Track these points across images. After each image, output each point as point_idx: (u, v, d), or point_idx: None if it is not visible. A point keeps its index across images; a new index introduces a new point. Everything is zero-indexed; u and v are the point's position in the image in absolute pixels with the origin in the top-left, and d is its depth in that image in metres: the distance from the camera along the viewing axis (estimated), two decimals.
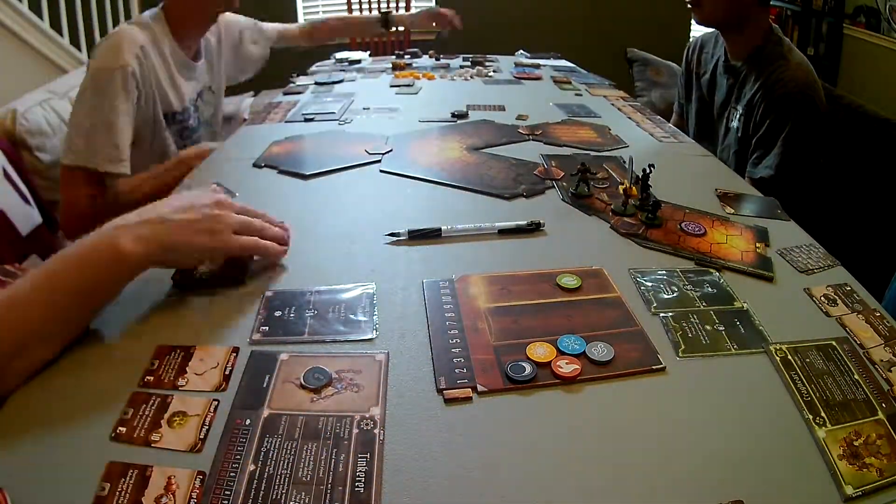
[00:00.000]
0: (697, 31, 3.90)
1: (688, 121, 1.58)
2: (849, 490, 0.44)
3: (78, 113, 1.01)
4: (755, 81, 1.25)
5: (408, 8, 3.36)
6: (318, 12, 3.77)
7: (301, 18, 3.71)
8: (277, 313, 0.63)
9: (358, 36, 1.93)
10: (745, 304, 0.65)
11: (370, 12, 3.32)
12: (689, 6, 1.30)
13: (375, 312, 0.63)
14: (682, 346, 0.58)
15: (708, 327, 0.61)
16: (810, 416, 0.50)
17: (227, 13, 1.33)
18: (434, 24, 1.79)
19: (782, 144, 1.19)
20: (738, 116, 1.29)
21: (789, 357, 0.57)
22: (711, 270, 0.72)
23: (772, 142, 1.21)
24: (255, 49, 1.52)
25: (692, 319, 0.62)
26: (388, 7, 3.34)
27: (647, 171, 0.84)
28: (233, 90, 1.66)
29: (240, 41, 1.45)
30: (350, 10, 3.32)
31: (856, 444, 0.48)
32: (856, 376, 0.55)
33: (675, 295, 0.67)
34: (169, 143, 1.15)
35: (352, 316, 0.62)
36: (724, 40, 1.34)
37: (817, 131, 1.20)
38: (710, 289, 0.68)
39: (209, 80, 1.27)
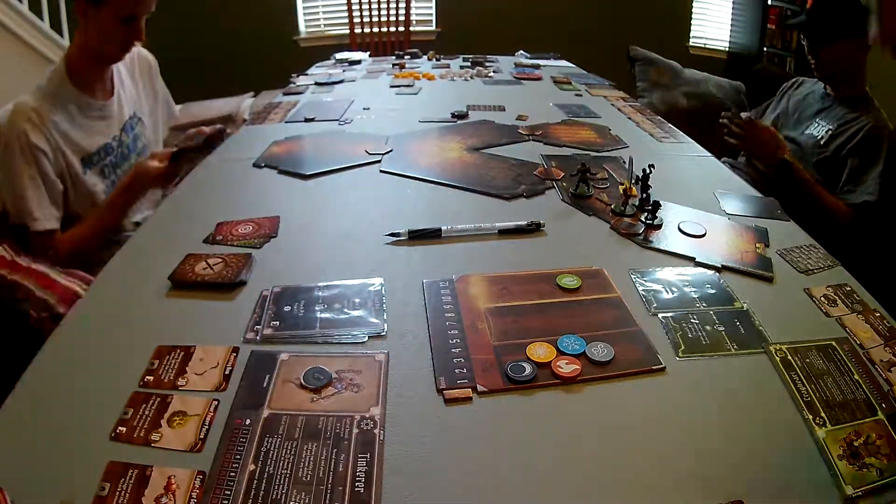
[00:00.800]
0: (696, 31, 3.90)
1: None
2: (849, 490, 0.44)
3: (4, 181, 1.05)
4: (849, 109, 1.35)
5: (408, 8, 3.37)
6: (318, 11, 3.77)
7: (301, 18, 3.71)
8: (287, 308, 0.63)
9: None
10: (744, 305, 0.65)
11: (370, 13, 3.33)
12: (813, 67, 1.42)
13: (385, 307, 0.64)
14: (682, 347, 0.58)
15: (708, 328, 0.61)
16: (810, 417, 0.50)
17: (144, 52, 1.34)
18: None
19: (881, 172, 1.28)
20: (821, 128, 1.38)
21: (789, 357, 0.57)
22: (717, 273, 0.72)
23: (862, 167, 1.29)
24: (163, 108, 1.45)
25: (692, 320, 0.62)
26: (388, 8, 3.35)
27: (647, 171, 0.84)
28: (233, 90, 1.66)
29: (169, 102, 1.43)
30: (350, 10, 3.33)
31: (856, 444, 0.48)
32: (855, 376, 0.55)
33: (674, 295, 0.67)
34: (93, 185, 1.16)
35: (361, 312, 0.63)
36: (828, 84, 1.43)
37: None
38: (709, 289, 0.68)
39: (132, 110, 1.27)
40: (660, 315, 0.63)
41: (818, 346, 0.59)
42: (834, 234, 0.99)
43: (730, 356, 0.58)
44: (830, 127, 1.37)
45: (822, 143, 1.36)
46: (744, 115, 1.40)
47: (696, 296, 0.67)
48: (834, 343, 0.59)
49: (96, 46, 1.13)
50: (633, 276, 0.70)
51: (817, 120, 1.41)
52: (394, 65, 1.87)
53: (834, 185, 1.32)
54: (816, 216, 1.21)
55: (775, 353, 0.57)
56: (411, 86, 1.59)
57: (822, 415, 0.50)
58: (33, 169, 1.05)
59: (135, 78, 1.31)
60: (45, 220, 1.07)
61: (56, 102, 1.09)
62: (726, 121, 1.35)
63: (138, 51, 1.30)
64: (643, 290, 0.68)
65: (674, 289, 0.68)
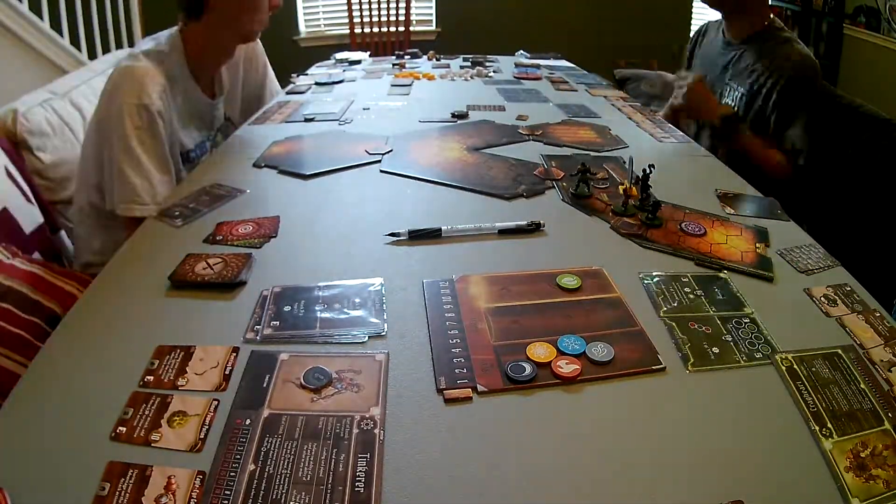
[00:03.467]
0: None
1: None
2: (855, 502, 0.44)
3: (123, 158, 0.97)
4: (756, 61, 1.27)
5: (408, 8, 3.36)
6: (318, 11, 3.77)
7: (301, 18, 3.71)
8: (287, 308, 0.63)
9: None
10: (753, 312, 0.64)
11: (370, 13, 3.33)
12: None
13: (385, 307, 0.64)
14: (692, 360, 0.57)
15: (716, 337, 0.60)
16: (816, 428, 0.50)
17: (261, 56, 1.32)
18: None
19: (807, 119, 1.21)
20: (735, 92, 1.31)
21: (795, 367, 0.56)
22: (719, 274, 0.71)
23: (787, 116, 1.23)
24: (266, 92, 1.44)
25: (700, 329, 0.61)
26: (388, 8, 3.35)
27: (648, 171, 0.84)
28: None
29: (263, 89, 1.40)
30: (350, 10, 3.32)
31: (862, 455, 0.47)
32: (862, 385, 0.55)
33: (684, 299, 0.66)
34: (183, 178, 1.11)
35: (361, 312, 0.63)
36: (724, 21, 1.36)
37: (822, 113, 1.24)
38: (719, 294, 0.68)
39: (229, 113, 1.24)
40: (667, 319, 0.63)
41: (824, 355, 0.58)
42: (778, 189, 0.98)
43: (738, 368, 0.57)
44: (742, 90, 1.29)
45: (739, 112, 1.30)
46: (684, 73, 1.36)
47: (704, 300, 0.66)
48: (840, 351, 0.59)
49: (230, 26, 1.07)
50: (641, 279, 0.70)
51: (728, 82, 1.34)
52: (394, 65, 1.86)
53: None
54: (756, 171, 1.16)
55: (781, 362, 0.57)
56: (411, 86, 1.59)
57: (829, 426, 0.50)
58: (159, 139, 0.97)
59: (241, 77, 1.26)
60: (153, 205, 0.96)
61: (177, 84, 1.04)
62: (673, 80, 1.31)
63: (256, 53, 1.27)
64: (652, 292, 0.67)
65: (685, 291, 0.68)
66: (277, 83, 1.49)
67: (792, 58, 1.23)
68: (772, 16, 1.32)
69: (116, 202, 0.98)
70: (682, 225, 0.82)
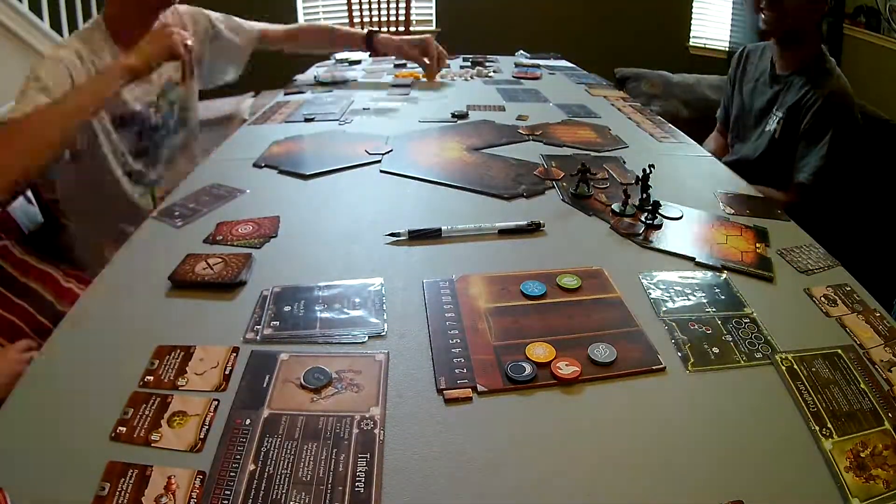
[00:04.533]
0: (696, 30, 3.89)
1: (727, 129, 1.57)
2: (855, 502, 0.44)
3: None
4: (801, 88, 1.27)
5: (408, 8, 3.36)
6: (318, 11, 3.77)
7: (301, 18, 3.71)
8: (287, 308, 0.63)
9: (341, 49, 1.83)
10: (753, 312, 0.64)
11: (370, 13, 3.33)
12: (759, 12, 1.32)
13: (385, 307, 0.64)
14: (692, 360, 0.57)
15: (717, 337, 0.60)
16: (816, 428, 0.50)
17: (193, 8, 1.33)
18: (423, 58, 1.64)
19: (826, 152, 1.21)
20: (777, 120, 1.31)
21: (795, 367, 0.56)
22: (719, 274, 0.71)
23: (815, 144, 1.23)
24: (237, 38, 1.46)
25: (700, 329, 0.61)
26: (388, 8, 3.34)
27: (648, 171, 0.84)
28: (233, 90, 1.66)
29: (214, 33, 1.41)
30: (350, 10, 3.32)
31: (862, 455, 0.47)
32: (862, 385, 0.55)
33: (684, 300, 0.66)
34: (119, 143, 1.15)
35: (361, 311, 0.63)
36: (777, 50, 1.35)
37: (856, 142, 1.23)
38: (719, 294, 0.68)
39: (172, 75, 1.25)
40: (667, 320, 0.63)
41: (824, 355, 0.58)
42: (833, 234, 0.98)
43: (738, 368, 0.57)
44: (781, 115, 1.28)
45: (777, 136, 1.29)
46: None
47: (704, 300, 0.66)
48: (840, 351, 0.59)
49: (132, 10, 1.11)
50: (641, 279, 0.70)
51: (774, 112, 1.33)
52: (396, 65, 1.86)
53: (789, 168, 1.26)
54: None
55: (781, 362, 0.57)
56: (411, 86, 1.59)
57: (829, 426, 0.50)
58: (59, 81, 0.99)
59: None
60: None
61: (100, 55, 1.08)
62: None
63: (184, 9, 1.28)
64: (651, 293, 0.67)
65: (681, 291, 0.68)
66: (243, 23, 1.48)
67: (830, 87, 1.23)
68: (822, 45, 1.31)
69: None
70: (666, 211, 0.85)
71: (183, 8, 1.31)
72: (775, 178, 1.27)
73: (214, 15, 1.41)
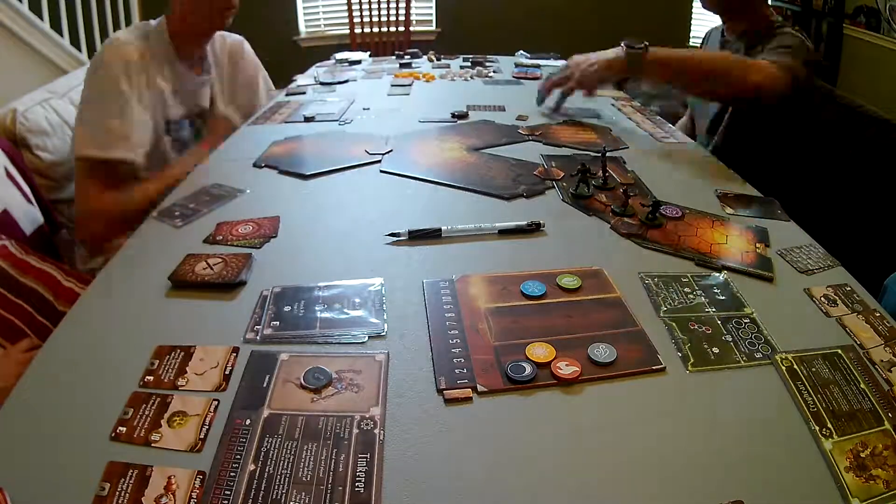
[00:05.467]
0: (696, 30, 3.90)
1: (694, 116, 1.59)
2: (855, 502, 0.44)
3: (85, 108, 1.03)
4: (750, 49, 1.24)
5: (408, 8, 3.36)
6: (318, 12, 3.77)
7: (301, 18, 3.71)
8: (287, 308, 0.63)
9: None
10: (753, 312, 0.64)
11: (370, 13, 3.33)
12: None
13: (385, 307, 0.64)
14: (692, 360, 0.57)
15: (717, 337, 0.60)
16: (817, 428, 0.50)
17: (250, 54, 1.38)
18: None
19: (784, 48, 1.14)
20: None
21: (795, 367, 0.56)
22: (719, 274, 0.71)
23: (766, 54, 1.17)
24: (264, 99, 1.48)
25: (700, 329, 0.61)
26: (388, 8, 3.34)
27: (603, 153, 0.92)
28: None
29: (255, 82, 1.44)
30: (350, 10, 3.32)
31: (862, 455, 0.47)
32: (862, 385, 0.55)
33: (684, 300, 0.66)
34: (167, 150, 1.17)
35: (361, 311, 0.63)
36: (723, 23, 1.35)
37: (811, 66, 1.17)
38: (719, 294, 0.67)
39: (215, 97, 1.28)
40: (667, 319, 0.63)
41: (824, 355, 0.58)
42: (834, 234, 0.97)
43: (738, 368, 0.57)
44: None
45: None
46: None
47: (704, 300, 0.66)
48: (840, 351, 0.59)
49: (189, 16, 1.15)
50: (641, 279, 0.70)
51: None
52: (401, 65, 1.86)
53: (747, 143, 1.21)
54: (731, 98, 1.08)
55: (781, 362, 0.57)
56: (411, 86, 1.59)
57: (829, 426, 0.50)
58: (136, 96, 1.03)
59: (233, 75, 1.33)
60: (138, 150, 1.04)
61: (159, 54, 1.10)
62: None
63: (246, 54, 1.33)
64: (652, 293, 0.67)
65: (685, 292, 0.68)
66: (272, 85, 1.52)
67: (785, 42, 1.17)
68: (771, 13, 1.30)
69: (73, 145, 1.03)
70: (663, 209, 0.84)
71: (247, 49, 1.36)
72: (736, 134, 1.26)
73: (262, 70, 1.44)
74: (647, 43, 1.12)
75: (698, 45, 1.63)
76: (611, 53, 1.18)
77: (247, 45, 1.40)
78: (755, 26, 1.28)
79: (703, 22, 3.82)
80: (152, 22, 1.17)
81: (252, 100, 1.45)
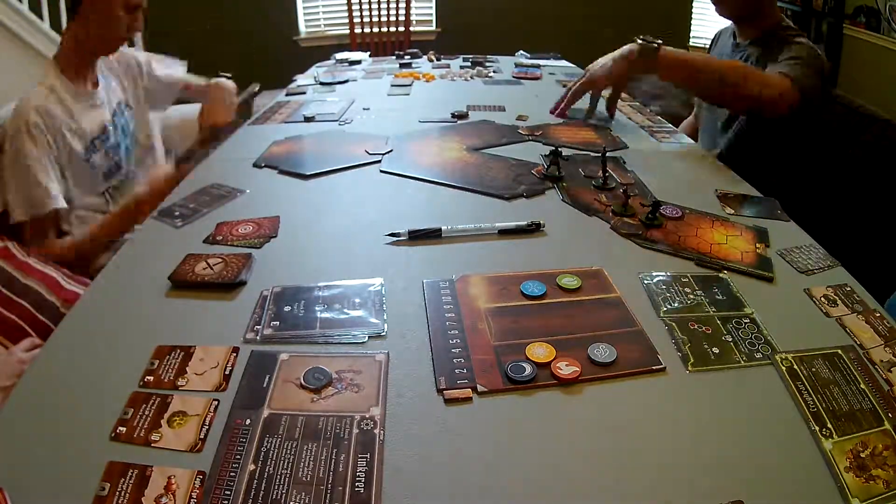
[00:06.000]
0: (696, 30, 3.90)
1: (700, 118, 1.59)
2: (855, 502, 0.44)
3: (6, 178, 1.09)
4: (765, 57, 1.24)
5: (408, 8, 3.37)
6: (318, 11, 3.77)
7: (301, 18, 3.71)
8: (287, 308, 0.63)
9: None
10: (753, 312, 0.64)
11: (370, 13, 3.33)
12: (713, 4, 1.34)
13: (385, 307, 0.64)
14: (692, 360, 0.57)
15: (717, 337, 0.60)
16: (816, 428, 0.50)
17: (126, 51, 1.37)
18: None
19: (798, 54, 1.16)
20: None
21: (795, 367, 0.56)
22: (719, 274, 0.71)
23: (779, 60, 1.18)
24: (166, 71, 1.47)
25: (700, 329, 0.61)
26: (388, 8, 3.34)
27: (557, 149, 0.96)
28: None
29: (139, 70, 1.42)
30: (350, 10, 3.33)
31: (862, 455, 0.47)
32: (862, 385, 0.55)
33: (684, 300, 0.66)
34: (98, 166, 1.21)
35: (361, 312, 0.63)
36: (736, 27, 1.36)
37: (822, 78, 1.18)
38: (719, 294, 0.67)
39: (121, 97, 1.31)
40: (667, 320, 0.63)
41: (824, 355, 0.58)
42: (833, 234, 0.97)
43: (738, 368, 0.57)
44: None
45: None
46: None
47: (704, 300, 0.66)
48: (839, 351, 0.59)
49: (97, 36, 1.17)
50: (641, 279, 0.70)
51: None
52: (401, 65, 1.87)
53: (750, 147, 1.21)
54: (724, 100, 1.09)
55: (781, 362, 0.57)
56: (411, 86, 1.59)
57: (829, 426, 0.50)
58: (42, 151, 1.09)
59: (119, 77, 1.34)
60: (58, 198, 1.11)
61: (51, 94, 1.14)
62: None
63: (120, 53, 1.33)
64: (652, 292, 0.67)
65: (685, 292, 0.68)
66: (168, 69, 1.48)
67: (797, 53, 1.19)
68: (782, 17, 1.31)
69: (28, 207, 1.09)
70: (663, 209, 0.84)
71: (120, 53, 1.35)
72: (747, 143, 1.26)
73: (142, 57, 1.43)
74: (661, 41, 1.13)
75: (702, 46, 1.63)
76: (625, 48, 1.20)
77: (126, 50, 1.38)
78: (767, 31, 1.29)
79: (703, 22, 3.83)
80: (39, 83, 1.18)
81: (169, 90, 1.46)
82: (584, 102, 1.38)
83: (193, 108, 1.47)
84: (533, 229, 0.80)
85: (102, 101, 1.25)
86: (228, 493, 0.43)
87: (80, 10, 1.16)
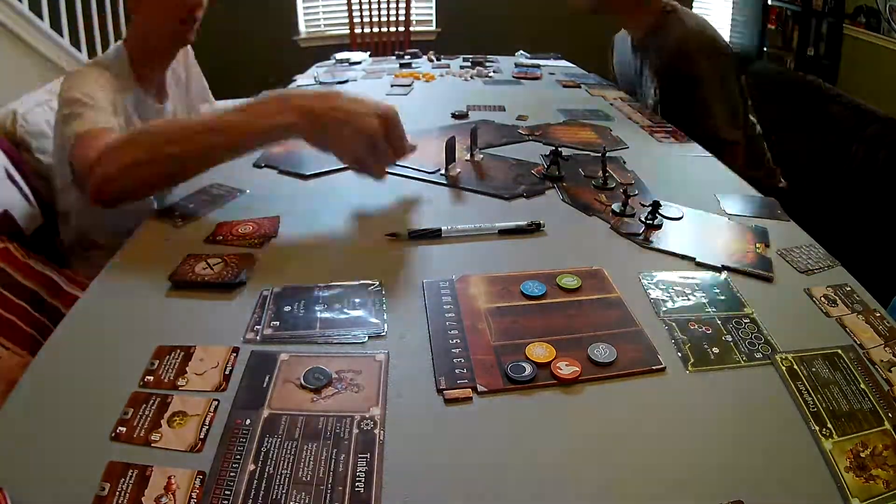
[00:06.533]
0: None
1: None
2: (855, 502, 0.44)
3: (72, 109, 0.95)
4: (657, 48, 1.26)
5: (408, 8, 3.37)
6: (318, 11, 3.77)
7: (301, 18, 3.71)
8: (287, 308, 0.63)
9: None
10: (753, 312, 0.64)
11: (370, 13, 3.33)
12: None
13: (385, 308, 0.64)
14: (692, 360, 0.57)
15: (717, 337, 0.60)
16: (817, 428, 0.50)
17: (193, 60, 1.35)
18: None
19: (718, 99, 1.18)
20: (653, 90, 1.29)
21: (795, 367, 0.56)
22: (719, 274, 0.71)
23: (701, 99, 1.20)
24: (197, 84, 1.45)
25: (700, 329, 0.61)
26: (388, 8, 3.34)
27: (556, 149, 0.96)
28: (233, 91, 1.66)
29: (205, 88, 1.42)
30: (350, 10, 3.32)
31: (862, 455, 0.47)
32: (862, 385, 0.55)
33: (684, 300, 0.66)
34: None
35: (361, 312, 0.63)
36: (622, 21, 1.35)
37: (733, 72, 1.19)
38: (719, 294, 0.67)
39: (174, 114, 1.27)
40: (667, 320, 0.63)
41: (824, 355, 0.58)
42: (833, 234, 0.97)
43: (738, 368, 0.57)
44: (653, 84, 1.27)
45: (660, 106, 1.28)
46: None
47: (704, 300, 0.66)
48: (840, 351, 0.59)
49: (151, 36, 1.11)
50: (641, 279, 0.70)
51: (649, 85, 1.31)
52: (401, 65, 1.87)
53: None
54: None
55: (781, 362, 0.57)
56: (411, 86, 1.59)
57: (829, 426, 0.50)
58: (108, 99, 0.97)
59: (188, 85, 1.30)
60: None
61: (119, 85, 1.06)
62: None
63: (197, 70, 1.31)
64: (651, 293, 0.67)
65: (681, 291, 0.68)
66: (201, 80, 1.47)
67: (678, 34, 1.20)
68: (668, 2, 1.28)
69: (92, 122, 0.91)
70: (662, 209, 0.84)
71: (191, 54, 1.33)
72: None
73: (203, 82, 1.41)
74: None
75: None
76: None
77: (190, 50, 1.35)
78: (650, 19, 1.26)
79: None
80: (109, 51, 1.12)
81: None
82: (584, 103, 1.38)
83: None
84: (533, 229, 0.80)
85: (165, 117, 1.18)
86: (228, 493, 0.43)
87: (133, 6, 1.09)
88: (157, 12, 1.08)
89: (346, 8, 3.37)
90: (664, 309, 0.64)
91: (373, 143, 0.78)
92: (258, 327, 0.60)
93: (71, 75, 1.04)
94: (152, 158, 0.79)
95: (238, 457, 0.46)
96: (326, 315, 0.63)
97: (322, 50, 1.96)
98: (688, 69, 1.19)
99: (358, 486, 0.43)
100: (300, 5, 3.70)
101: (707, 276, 0.71)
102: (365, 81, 1.67)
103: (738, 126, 1.19)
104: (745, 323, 0.62)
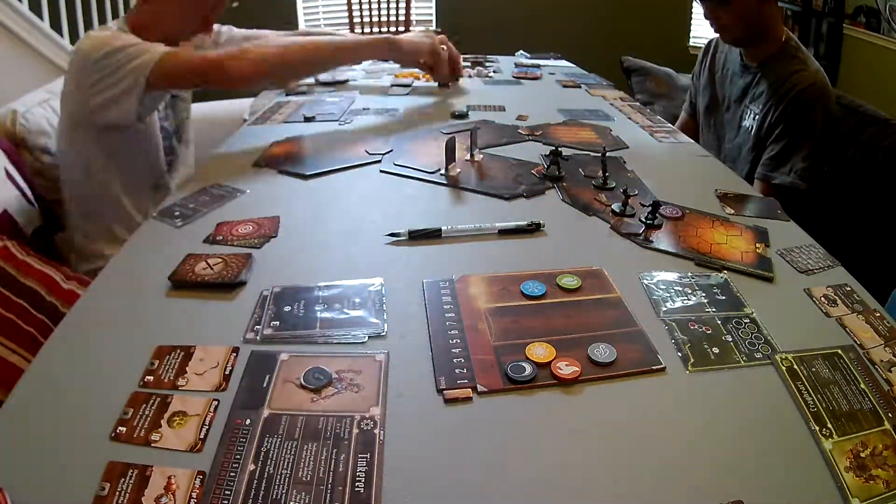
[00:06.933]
0: (696, 30, 3.89)
1: (698, 119, 1.60)
2: (855, 502, 0.44)
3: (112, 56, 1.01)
4: (772, 82, 1.28)
5: (408, 8, 3.36)
6: (318, 12, 3.77)
7: (301, 18, 3.71)
8: (287, 308, 0.63)
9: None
10: (753, 312, 0.64)
11: (370, 13, 3.33)
12: (715, 32, 1.39)
13: (385, 307, 0.64)
14: (692, 360, 0.57)
15: (717, 337, 0.60)
16: (817, 428, 0.50)
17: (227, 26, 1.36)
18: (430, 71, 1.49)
19: (806, 151, 1.22)
20: (752, 115, 1.32)
21: (795, 367, 0.56)
22: (719, 274, 0.71)
23: (790, 144, 1.24)
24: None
25: (700, 329, 0.61)
26: (388, 8, 3.34)
27: (557, 149, 0.96)
28: (232, 91, 1.66)
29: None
30: (350, 9, 3.32)
31: (862, 455, 0.47)
32: (862, 385, 0.55)
33: (684, 300, 0.66)
34: (150, 135, 1.16)
35: (361, 311, 0.63)
36: (743, 50, 1.38)
37: (831, 136, 1.23)
38: (719, 294, 0.67)
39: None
40: (667, 320, 0.63)
41: (824, 355, 0.58)
42: (834, 234, 0.98)
43: (738, 368, 0.57)
44: (757, 111, 1.30)
45: (752, 130, 1.32)
46: None
47: (704, 300, 0.66)
48: (840, 351, 0.59)
49: (169, 29, 1.12)
50: (641, 279, 0.70)
51: (749, 105, 1.34)
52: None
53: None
54: None
55: (781, 362, 0.57)
56: (411, 86, 1.59)
57: (829, 426, 0.50)
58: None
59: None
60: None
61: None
62: None
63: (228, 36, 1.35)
64: (651, 292, 0.67)
65: (685, 292, 0.68)
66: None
67: (801, 80, 1.23)
68: (787, 33, 1.32)
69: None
70: (663, 209, 0.84)
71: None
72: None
73: (243, 34, 1.45)
74: None
75: (701, 47, 1.64)
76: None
77: (224, 30, 1.37)
78: (771, 49, 1.30)
79: (703, 22, 3.82)
80: (109, 26, 1.12)
81: None
82: (584, 103, 1.38)
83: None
84: (533, 229, 0.80)
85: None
86: (228, 493, 0.43)
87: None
88: (181, 1, 1.11)
89: (346, 8, 3.37)
90: (664, 309, 0.64)
91: (433, 50, 1.37)
92: (258, 327, 0.60)
93: (95, 37, 1.05)
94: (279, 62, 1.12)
95: (238, 457, 0.46)
96: (326, 315, 0.63)
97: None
98: (802, 116, 1.22)
99: (358, 486, 0.43)
100: (300, 5, 3.70)
101: (707, 276, 0.71)
102: (365, 81, 1.67)
103: (815, 178, 1.22)
104: (745, 323, 0.62)
